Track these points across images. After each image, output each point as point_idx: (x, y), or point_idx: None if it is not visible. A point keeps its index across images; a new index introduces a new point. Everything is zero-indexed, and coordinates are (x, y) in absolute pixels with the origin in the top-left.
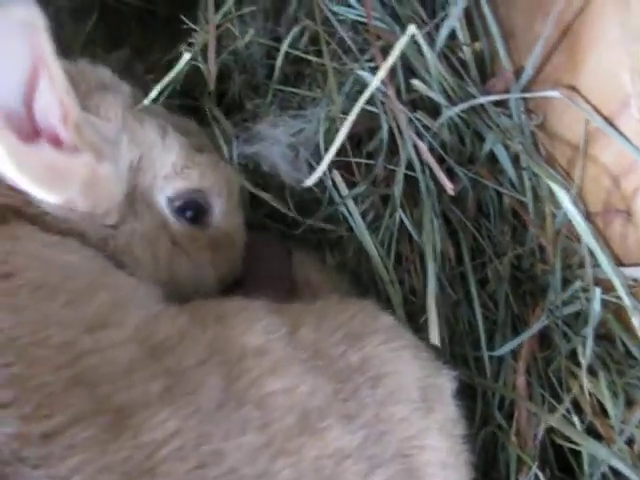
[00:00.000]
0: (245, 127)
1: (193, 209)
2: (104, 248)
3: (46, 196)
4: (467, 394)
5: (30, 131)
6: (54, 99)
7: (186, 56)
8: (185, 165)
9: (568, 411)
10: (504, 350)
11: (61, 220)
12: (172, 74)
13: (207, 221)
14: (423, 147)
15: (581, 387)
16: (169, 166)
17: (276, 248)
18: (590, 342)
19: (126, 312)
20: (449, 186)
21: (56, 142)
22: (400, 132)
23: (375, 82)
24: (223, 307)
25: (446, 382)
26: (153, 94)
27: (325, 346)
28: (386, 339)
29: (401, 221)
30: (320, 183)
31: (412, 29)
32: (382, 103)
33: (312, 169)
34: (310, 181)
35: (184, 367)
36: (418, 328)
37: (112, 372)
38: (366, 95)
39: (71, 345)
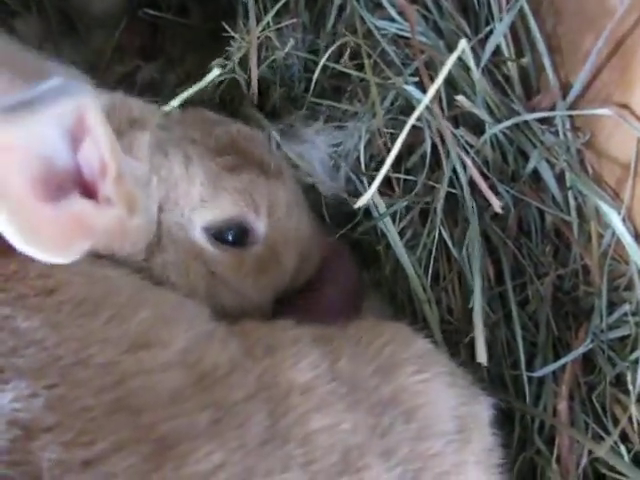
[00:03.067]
0: (289, 128)
1: (232, 233)
2: (146, 275)
3: (49, 258)
4: (505, 417)
5: (67, 184)
6: (95, 155)
7: (215, 71)
8: (212, 193)
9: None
10: (545, 371)
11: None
12: (200, 84)
13: (250, 241)
14: (469, 164)
15: (630, 417)
16: (195, 198)
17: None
18: None
19: (171, 330)
20: (497, 203)
21: (91, 192)
22: (444, 148)
23: (425, 100)
24: (274, 337)
25: (483, 410)
26: (176, 103)
27: (360, 379)
28: (418, 369)
29: (439, 239)
30: (358, 194)
31: (463, 44)
32: (425, 119)
33: (350, 182)
34: (360, 203)
35: (232, 401)
36: (455, 349)
37: (157, 398)
38: (416, 114)
39: (114, 366)
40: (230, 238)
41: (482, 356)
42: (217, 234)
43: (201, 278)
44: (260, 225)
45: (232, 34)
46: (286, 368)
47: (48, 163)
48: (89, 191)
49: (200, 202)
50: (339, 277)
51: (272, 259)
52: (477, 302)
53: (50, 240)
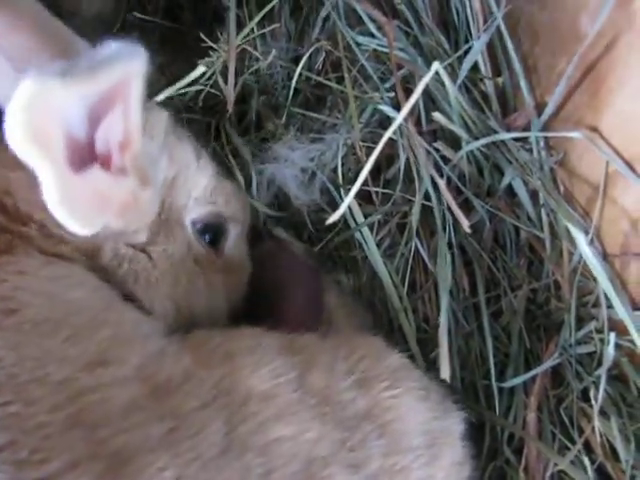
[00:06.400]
0: (262, 147)
1: (212, 232)
2: (114, 273)
3: (79, 230)
4: (475, 427)
5: (85, 156)
6: (121, 128)
7: (200, 68)
8: (215, 189)
9: (579, 451)
10: (516, 382)
11: (75, 245)
12: (184, 81)
13: (222, 246)
14: (441, 183)
15: (592, 428)
16: (201, 188)
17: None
18: (603, 384)
19: (128, 349)
20: (465, 223)
21: (105, 164)
22: (418, 165)
23: (399, 119)
24: (232, 344)
25: (455, 424)
26: (161, 97)
27: (335, 392)
28: (390, 385)
29: (416, 249)
30: (337, 206)
31: (436, 65)
32: (401, 132)
33: (327, 194)
34: (333, 218)
35: (187, 410)
36: (430, 358)
37: (111, 412)
38: (389, 132)
39: (70, 382)
40: (208, 238)
41: (445, 372)
42: (200, 230)
43: (187, 271)
44: (232, 233)
45: (210, 44)
46: (245, 375)
47: (70, 132)
48: (102, 162)
49: (204, 193)
50: (297, 291)
51: (234, 268)
52: (443, 318)
53: (80, 210)
